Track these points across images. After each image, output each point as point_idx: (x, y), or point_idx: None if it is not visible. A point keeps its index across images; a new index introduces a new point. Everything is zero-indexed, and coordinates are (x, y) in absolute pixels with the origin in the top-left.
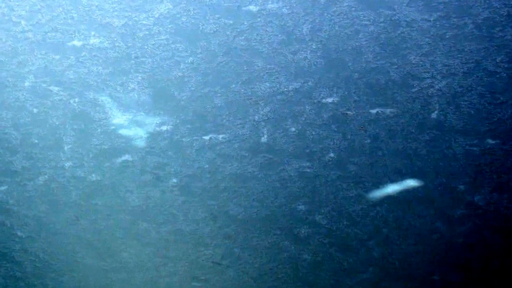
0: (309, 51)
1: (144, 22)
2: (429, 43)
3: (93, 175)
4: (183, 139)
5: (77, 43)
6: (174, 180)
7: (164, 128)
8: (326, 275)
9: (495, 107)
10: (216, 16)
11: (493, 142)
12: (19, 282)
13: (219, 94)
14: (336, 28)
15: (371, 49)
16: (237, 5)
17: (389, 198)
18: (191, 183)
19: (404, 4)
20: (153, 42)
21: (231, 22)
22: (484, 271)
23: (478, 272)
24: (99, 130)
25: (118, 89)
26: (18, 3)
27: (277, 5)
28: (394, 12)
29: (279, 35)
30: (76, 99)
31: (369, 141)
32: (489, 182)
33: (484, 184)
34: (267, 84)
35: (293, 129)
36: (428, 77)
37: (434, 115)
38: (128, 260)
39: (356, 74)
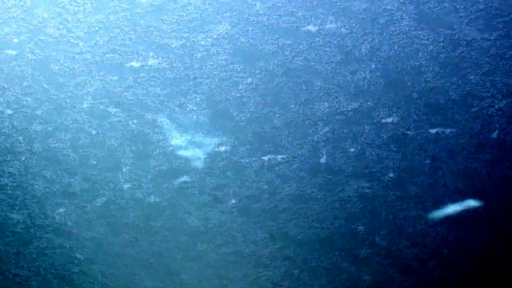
0: (368, 71)
1: (202, 42)
2: (489, 62)
3: (152, 196)
4: (242, 160)
5: (135, 64)
6: (233, 201)
7: (223, 148)
8: None
9: None
10: (275, 36)
11: None
12: None
13: (277, 115)
14: (396, 48)
15: (430, 69)
16: (295, 26)
17: (449, 218)
18: (250, 204)
19: (464, 24)
20: (211, 63)
21: (289, 42)
22: None
23: None
24: (157, 151)
25: (176, 110)
26: (76, 25)
27: (336, 25)
28: (454, 32)
29: (338, 55)
30: (135, 120)
31: (429, 161)
32: None
33: None
34: (326, 104)
35: (353, 149)
36: (488, 97)
37: (494, 135)
38: (187, 282)
39: (415, 93)
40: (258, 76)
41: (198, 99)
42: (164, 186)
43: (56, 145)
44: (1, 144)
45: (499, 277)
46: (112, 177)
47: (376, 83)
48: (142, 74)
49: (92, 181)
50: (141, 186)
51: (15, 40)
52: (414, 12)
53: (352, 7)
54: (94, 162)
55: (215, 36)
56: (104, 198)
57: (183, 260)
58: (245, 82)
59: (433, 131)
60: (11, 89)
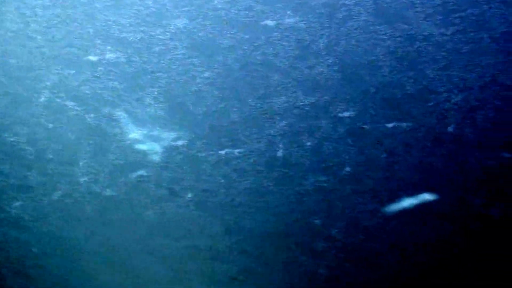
0: (325, 66)
1: (160, 36)
2: (446, 57)
3: (108, 190)
4: (199, 154)
5: (92, 58)
6: (190, 195)
7: (180, 143)
8: None
9: (511, 121)
10: (233, 31)
11: (509, 155)
12: None
13: (235, 109)
14: (353, 43)
15: (387, 64)
16: (254, 20)
17: (405, 212)
18: (207, 198)
19: (421, 19)
20: (169, 57)
21: (247, 36)
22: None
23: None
24: (114, 145)
25: (133, 104)
26: (34, 19)
27: (294, 20)
28: (411, 27)
29: (296, 50)
30: (92, 115)
31: (385, 155)
32: (505, 196)
33: (500, 198)
34: (283, 98)
35: (309, 143)
36: (444, 91)
37: (450, 129)
38: (144, 275)
39: (372, 88)
40: (216, 70)
41: (156, 93)
42: (121, 180)
43: (13, 139)
44: None
45: (455, 270)
46: (68, 171)
47: (333, 77)
48: (99, 68)
49: (49, 174)
50: (98, 180)
51: None
52: (371, 7)
53: (310, 1)
54: (51, 156)
55: (173, 30)
56: (61, 192)
57: (140, 254)
58: (202, 76)
59: (390, 125)
60: None
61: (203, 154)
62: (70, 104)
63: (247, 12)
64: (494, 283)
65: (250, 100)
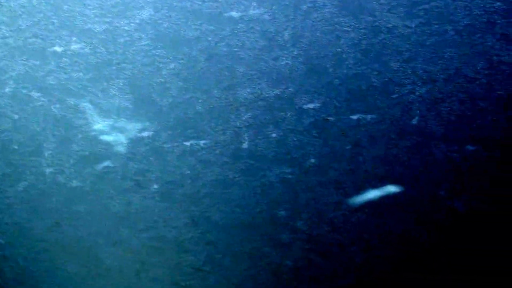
0: (290, 57)
1: (125, 28)
2: (410, 50)
3: (74, 181)
4: (164, 145)
5: (57, 49)
6: (155, 186)
7: (145, 134)
8: (307, 281)
9: (475, 113)
10: (198, 22)
11: (473, 148)
12: None
13: (200, 100)
14: (318, 34)
15: (352, 56)
16: (218, 11)
17: (369, 203)
18: (172, 189)
19: (385, 11)
20: (134, 48)
21: (212, 28)
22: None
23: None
24: (79, 136)
25: (99, 95)
26: None
27: (259, 11)
28: (375, 19)
29: (261, 41)
30: (57, 105)
31: (350, 147)
32: (469, 188)
33: (465, 190)
34: (249, 90)
35: (274, 135)
36: (409, 84)
37: (414, 121)
38: (109, 267)
39: (337, 80)
40: (181, 61)
41: (121, 84)
42: (87, 171)
43: None
44: None
45: (419, 263)
46: (34, 162)
47: (298, 69)
48: (64, 59)
49: (14, 165)
50: (63, 171)
51: None
52: None
53: None
54: (16, 147)
55: (138, 22)
56: (26, 183)
57: (105, 245)
58: (168, 68)
59: (355, 117)
60: None
61: (169, 145)
62: (35, 95)
63: (212, 3)
64: (458, 277)
65: (215, 92)
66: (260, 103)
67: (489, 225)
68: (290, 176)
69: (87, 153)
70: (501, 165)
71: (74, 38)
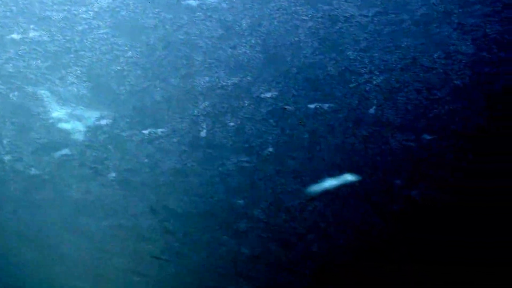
0: (248, 46)
1: (83, 15)
2: (367, 39)
3: (33, 169)
4: (123, 133)
5: (16, 36)
6: (113, 174)
7: (104, 122)
8: (264, 269)
9: (431, 102)
10: (156, 10)
11: (430, 137)
12: None
13: (158, 89)
14: (275, 23)
15: (309, 44)
16: (176, 0)
17: (327, 192)
18: (131, 177)
19: (343, 0)
20: (93, 36)
21: (170, 16)
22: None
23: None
24: (38, 124)
25: (57, 82)
26: None
27: (217, 0)
28: (332, 7)
29: (219, 30)
30: (16, 93)
31: (307, 136)
32: (425, 177)
33: (421, 179)
34: (206, 78)
35: (232, 123)
36: (365, 73)
37: (371, 111)
38: (68, 254)
39: (294, 69)
40: (139, 49)
41: (79, 72)
42: (45, 159)
43: None
44: None
45: (375, 250)
46: None
47: (255, 58)
48: (23, 47)
49: None
50: (22, 158)
51: None
52: None
53: None
54: None
55: (96, 9)
56: None
57: (64, 233)
58: (126, 56)
59: (312, 106)
60: None
61: (127, 134)
62: None
63: None
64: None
65: (173, 80)
66: (218, 91)
67: (446, 214)
68: (248, 165)
69: (45, 140)
70: (457, 154)
71: (32, 26)
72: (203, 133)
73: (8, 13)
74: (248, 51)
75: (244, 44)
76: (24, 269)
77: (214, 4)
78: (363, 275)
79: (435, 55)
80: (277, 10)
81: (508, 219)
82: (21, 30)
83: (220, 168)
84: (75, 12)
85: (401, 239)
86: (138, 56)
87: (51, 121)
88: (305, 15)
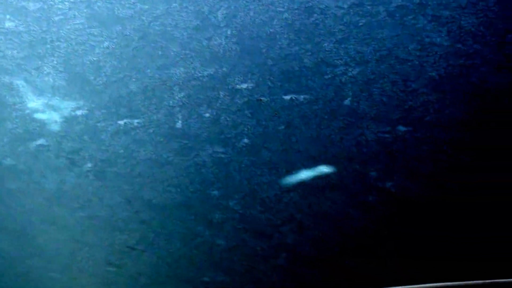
0: (224, 37)
1: (59, 6)
2: (343, 30)
3: (8, 159)
4: (98, 124)
5: None
6: (89, 165)
7: (79, 112)
8: (239, 260)
9: (407, 94)
10: (132, 1)
11: (405, 129)
12: None
13: (134, 79)
14: (251, 15)
15: (285, 36)
16: None
17: (302, 184)
18: (106, 168)
19: None
20: (69, 27)
21: (146, 7)
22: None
23: (388, 258)
24: (14, 114)
25: (33, 73)
26: None
27: None
28: None
29: (194, 21)
30: None
31: (283, 127)
32: (400, 169)
33: (395, 170)
34: (182, 69)
35: (208, 114)
36: (341, 64)
37: (347, 102)
38: (43, 245)
39: (270, 60)
40: (115, 40)
41: (55, 63)
42: (21, 149)
43: None
44: None
45: (351, 242)
46: None
47: (231, 49)
48: None
49: None
50: None
51: None
52: None
53: None
54: None
55: (72, 0)
56: None
57: (39, 224)
58: (102, 46)
59: (287, 97)
60: None
61: (103, 124)
62: None
63: None
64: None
65: (149, 71)
66: (193, 82)
67: (420, 205)
68: (223, 156)
69: (21, 131)
70: (432, 146)
71: (8, 16)
72: (178, 124)
73: None
74: (223, 42)
75: (220, 35)
76: None
77: None
78: (338, 265)
79: (411, 47)
80: (253, 1)
81: (483, 211)
82: None
83: (195, 159)
84: (51, 2)
85: (375, 230)
86: (114, 46)
87: (27, 111)
88: (281, 6)
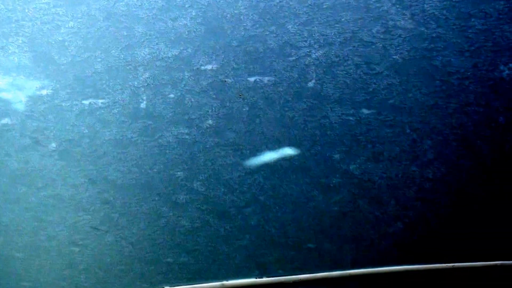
0: (188, 18)
1: None
2: (307, 13)
3: None
4: (63, 104)
5: None
6: (54, 145)
7: (44, 92)
8: (203, 241)
9: (370, 77)
10: None
11: (368, 112)
12: None
13: (99, 59)
14: None
15: (249, 17)
16: None
17: (266, 166)
18: (71, 148)
19: None
20: (34, 6)
21: None
22: (357, 239)
23: (350, 240)
24: None
25: None
26: None
27: None
28: None
29: (159, 1)
30: None
31: (247, 108)
32: (363, 151)
33: (359, 153)
34: (147, 50)
35: (172, 95)
36: (305, 46)
37: (311, 84)
38: (7, 224)
39: (235, 42)
40: (80, 20)
41: (20, 42)
42: None
43: None
44: None
45: (314, 224)
46: None
47: (196, 30)
48: None
49: None
50: None
51: None
52: None
53: None
54: None
55: None
56: None
57: (3, 203)
58: (67, 26)
59: (252, 79)
60: None
61: (67, 104)
62: None
63: None
64: (350, 238)
65: (113, 51)
66: (158, 63)
67: (383, 187)
68: (187, 137)
69: None
70: (395, 129)
71: None
72: (143, 105)
73: None
74: (188, 23)
75: (185, 16)
76: None
77: None
78: (300, 247)
79: (374, 30)
80: None
81: (443, 192)
82: None
83: (159, 140)
84: None
85: (338, 212)
86: (79, 26)
87: None
88: None
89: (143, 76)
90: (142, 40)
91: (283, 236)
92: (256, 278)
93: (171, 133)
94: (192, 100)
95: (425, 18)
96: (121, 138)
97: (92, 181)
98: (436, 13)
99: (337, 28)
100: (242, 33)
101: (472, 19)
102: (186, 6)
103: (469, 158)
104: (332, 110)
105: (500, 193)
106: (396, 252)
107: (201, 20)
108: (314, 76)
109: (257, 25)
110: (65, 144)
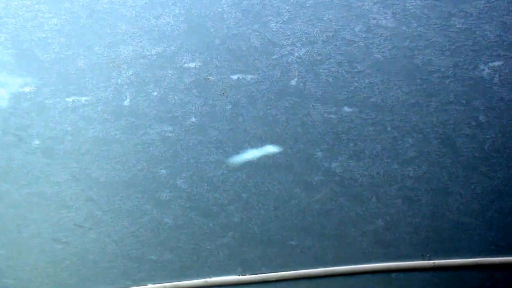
0: (172, 16)
1: None
2: (290, 11)
3: None
4: (46, 101)
5: None
6: (37, 142)
7: (27, 89)
8: (186, 238)
9: (352, 75)
10: None
11: (350, 110)
12: None
13: (82, 57)
14: None
15: (233, 15)
16: None
17: (249, 163)
18: (54, 145)
19: None
20: (16, 3)
21: None
22: (339, 237)
23: (333, 238)
24: None
25: None
26: None
27: None
28: None
29: None
30: None
31: (230, 106)
32: (345, 149)
33: (341, 151)
34: (130, 47)
35: (155, 93)
36: (288, 45)
37: (293, 82)
38: None
39: (218, 40)
40: (63, 17)
41: (3, 39)
42: None
43: None
44: None
45: (296, 221)
46: None
47: (179, 28)
48: None
49: None
50: None
51: None
52: None
53: None
54: None
55: None
56: None
57: None
58: (50, 23)
59: (235, 77)
60: None
61: (51, 101)
62: None
63: None
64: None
65: (97, 48)
66: (141, 61)
67: (364, 185)
68: (170, 135)
69: None
70: (376, 127)
71: None
72: (126, 102)
73: None
74: (171, 21)
75: (168, 14)
76: None
77: None
78: (283, 244)
79: (356, 29)
80: None
81: (425, 189)
82: None
83: (143, 137)
84: None
85: (321, 210)
86: (62, 23)
87: None
88: None
89: (127, 74)
90: (126, 37)
91: (266, 234)
92: (239, 275)
93: (155, 130)
94: (175, 98)
95: (407, 17)
96: (104, 135)
97: (75, 178)
98: (417, 12)
99: (319, 26)
100: (225, 31)
101: (453, 18)
102: (169, 4)
103: (449, 156)
104: (314, 108)
105: (481, 191)
106: (377, 249)
107: (184, 18)
108: (297, 74)
109: (240, 24)
110: (49, 141)
